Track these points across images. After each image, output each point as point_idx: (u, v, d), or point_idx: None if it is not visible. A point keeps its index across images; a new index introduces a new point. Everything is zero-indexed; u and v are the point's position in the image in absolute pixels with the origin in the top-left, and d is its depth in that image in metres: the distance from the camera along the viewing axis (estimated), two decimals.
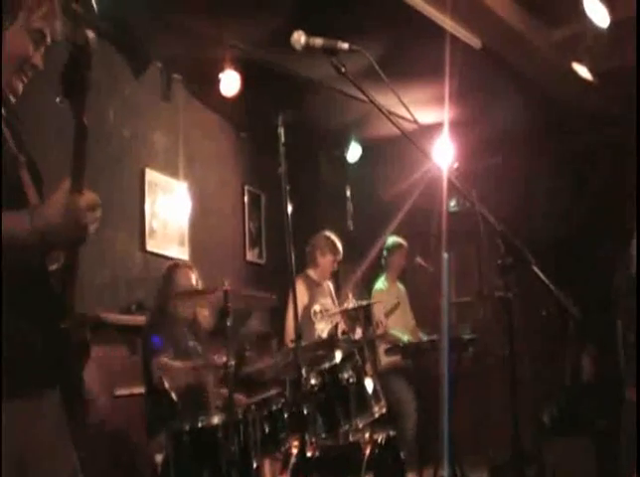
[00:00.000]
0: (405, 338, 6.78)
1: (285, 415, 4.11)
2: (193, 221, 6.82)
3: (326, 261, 6.30)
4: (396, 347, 6.48)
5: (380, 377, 4.86)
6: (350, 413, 4.23)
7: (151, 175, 6.33)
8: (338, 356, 4.49)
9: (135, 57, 6.08)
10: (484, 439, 6.97)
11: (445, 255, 6.84)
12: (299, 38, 2.50)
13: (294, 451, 4.13)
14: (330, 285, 6.46)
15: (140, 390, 4.85)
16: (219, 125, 7.64)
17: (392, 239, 7.27)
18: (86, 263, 2.05)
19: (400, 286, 7.37)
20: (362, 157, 8.47)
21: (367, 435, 4.39)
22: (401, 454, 4.48)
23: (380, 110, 2.52)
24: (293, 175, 3.52)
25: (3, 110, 2.09)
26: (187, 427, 3.93)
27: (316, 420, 4.17)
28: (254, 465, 3.93)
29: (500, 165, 8.30)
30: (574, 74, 6.63)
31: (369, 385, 4.41)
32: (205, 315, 5.12)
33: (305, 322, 5.92)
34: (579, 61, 6.54)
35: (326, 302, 6.23)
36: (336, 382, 4.30)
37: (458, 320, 7.68)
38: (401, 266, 7.26)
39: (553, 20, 6.38)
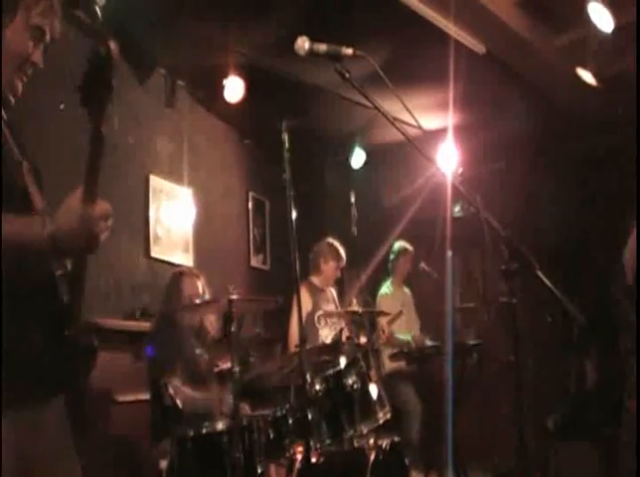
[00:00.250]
0: (409, 337, 6.79)
1: (290, 421, 4.10)
2: (197, 227, 6.83)
3: (329, 268, 6.30)
4: (400, 352, 6.49)
5: (384, 382, 4.85)
6: (354, 419, 4.22)
7: (155, 181, 6.35)
8: (342, 361, 4.49)
9: (139, 63, 6.09)
10: (489, 445, 6.96)
11: (449, 253, 6.84)
12: (303, 44, 2.50)
13: (299, 457, 4.12)
14: (333, 292, 6.46)
15: (144, 396, 4.85)
16: (223, 132, 7.65)
17: (398, 244, 7.29)
18: (91, 269, 2.05)
19: (407, 290, 7.38)
20: (366, 163, 8.47)
21: (371, 441, 4.38)
22: (406, 460, 4.47)
23: (384, 116, 2.52)
24: (297, 181, 3.52)
25: (3, 113, 2.08)
26: (191, 433, 3.93)
27: (320, 426, 4.16)
28: (259, 471, 3.92)
29: (504, 170, 8.30)
30: (578, 79, 6.63)
31: (373, 390, 4.41)
32: (212, 321, 5.09)
33: (309, 328, 5.93)
34: (583, 66, 6.53)
35: (329, 309, 6.23)
36: (340, 387, 4.29)
37: (462, 325, 7.67)
38: (407, 271, 7.27)
39: (557, 25, 6.38)
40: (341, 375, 4.33)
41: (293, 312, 5.88)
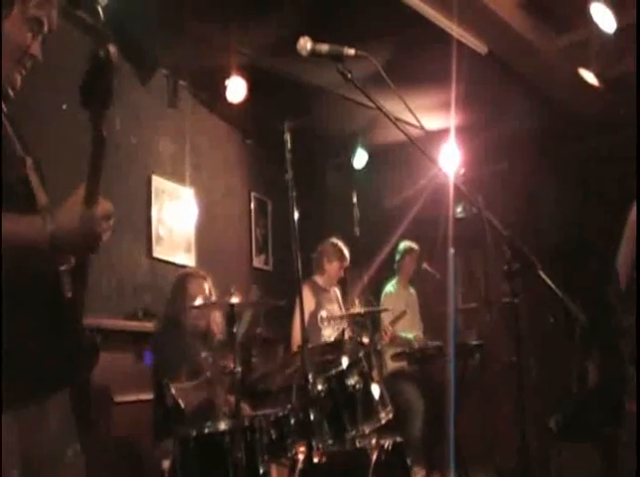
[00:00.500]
0: (412, 336, 6.80)
1: (292, 421, 4.10)
2: (199, 227, 6.83)
3: (332, 268, 6.32)
4: (402, 353, 6.50)
5: (386, 382, 4.85)
6: (356, 419, 4.22)
7: (158, 181, 6.35)
8: (344, 362, 4.49)
9: (141, 64, 6.10)
10: (490, 445, 6.95)
11: (452, 254, 6.85)
12: (305, 44, 2.50)
13: (301, 457, 4.12)
14: (337, 291, 6.47)
15: (147, 396, 4.85)
16: (225, 132, 7.65)
17: (403, 244, 7.31)
18: (93, 270, 2.06)
19: (412, 290, 7.39)
20: (368, 163, 8.46)
21: (373, 441, 4.38)
22: (408, 460, 4.47)
23: (386, 116, 2.52)
24: (300, 181, 3.52)
25: (4, 107, 2.08)
26: (194, 433, 3.93)
27: (323, 426, 4.16)
28: (261, 471, 3.92)
29: (506, 171, 8.30)
30: (581, 79, 6.63)
31: (375, 390, 4.41)
32: (218, 324, 5.05)
33: (312, 328, 5.94)
34: (586, 66, 6.53)
35: (333, 308, 6.24)
36: (342, 388, 4.29)
37: (464, 326, 7.67)
38: (413, 270, 7.28)
39: (559, 25, 6.37)
40: (343, 375, 4.33)
41: (296, 312, 5.88)
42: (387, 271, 7.54)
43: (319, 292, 6.23)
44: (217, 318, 5.01)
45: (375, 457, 4.17)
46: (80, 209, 1.87)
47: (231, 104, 6.46)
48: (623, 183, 5.25)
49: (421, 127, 3.05)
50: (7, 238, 1.81)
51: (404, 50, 6.06)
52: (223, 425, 4.01)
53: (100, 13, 2.29)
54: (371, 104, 2.54)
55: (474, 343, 6.36)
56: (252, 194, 7.97)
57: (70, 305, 2.05)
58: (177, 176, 6.62)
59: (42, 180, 2.14)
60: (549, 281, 2.52)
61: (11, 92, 2.09)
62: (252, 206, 7.96)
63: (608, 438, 5.98)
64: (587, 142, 7.75)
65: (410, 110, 2.68)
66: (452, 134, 7.22)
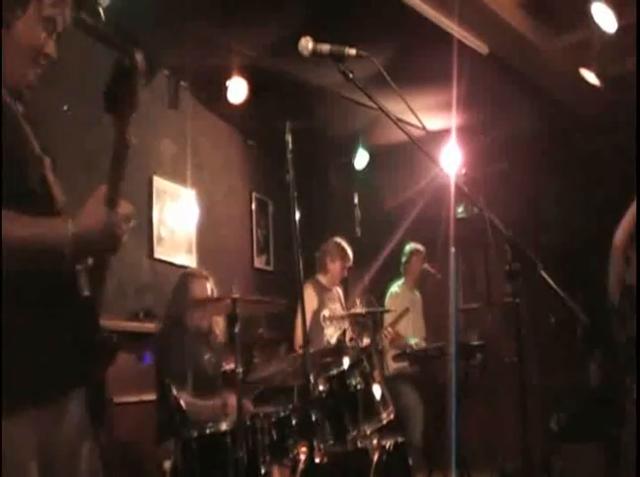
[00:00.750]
0: (415, 341, 6.80)
1: (293, 422, 4.10)
2: (201, 228, 6.83)
3: (336, 267, 6.33)
4: (403, 353, 6.50)
5: (388, 383, 4.85)
6: (358, 420, 4.22)
7: (159, 182, 6.35)
8: (346, 362, 4.49)
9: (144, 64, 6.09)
10: (493, 446, 6.95)
11: (453, 254, 6.85)
12: (307, 44, 2.50)
13: (302, 457, 4.12)
14: (339, 291, 6.48)
15: (149, 397, 4.85)
16: (226, 133, 7.65)
17: (409, 246, 7.32)
18: None
19: (417, 294, 7.40)
20: (369, 164, 8.46)
21: (375, 441, 4.38)
22: (410, 460, 4.47)
23: (388, 116, 2.52)
24: (301, 182, 3.52)
25: (21, 107, 2.10)
26: (195, 434, 3.93)
27: (324, 427, 4.16)
28: (262, 471, 3.92)
29: (507, 171, 8.29)
30: (582, 79, 6.62)
31: (377, 391, 4.41)
32: (220, 326, 5.02)
33: (314, 327, 5.95)
34: (587, 66, 6.53)
35: (335, 308, 6.25)
36: (344, 388, 4.29)
37: (466, 326, 7.66)
38: (419, 272, 7.28)
39: (560, 25, 6.37)
40: (344, 375, 4.34)
41: (299, 312, 5.88)
42: (388, 272, 7.53)
43: (322, 291, 6.24)
44: (219, 321, 5.00)
45: (376, 457, 4.18)
46: (101, 210, 1.90)
47: (232, 105, 6.46)
48: (624, 182, 5.25)
49: (423, 127, 3.05)
50: (28, 240, 1.83)
51: (406, 50, 6.06)
52: (224, 426, 4.01)
53: (102, 14, 2.29)
54: (372, 105, 2.53)
55: (475, 343, 6.36)
56: (254, 194, 7.97)
57: (87, 305, 2.07)
58: (178, 177, 6.62)
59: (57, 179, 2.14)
60: (550, 281, 2.52)
61: (27, 92, 2.12)
62: (254, 206, 7.96)
63: (610, 438, 5.98)
64: (588, 142, 7.75)
65: (412, 110, 2.68)
66: (453, 134, 7.22)
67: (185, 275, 4.99)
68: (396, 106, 2.66)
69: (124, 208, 1.98)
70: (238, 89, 6.35)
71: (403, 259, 7.28)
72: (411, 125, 3.53)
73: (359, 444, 4.35)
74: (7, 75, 2.03)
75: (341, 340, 5.61)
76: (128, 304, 5.79)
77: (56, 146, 2.18)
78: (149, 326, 5.38)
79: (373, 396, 4.37)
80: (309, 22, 5.37)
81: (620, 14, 5.65)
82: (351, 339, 5.61)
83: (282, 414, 4.11)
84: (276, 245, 8.20)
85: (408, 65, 6.01)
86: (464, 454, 5.71)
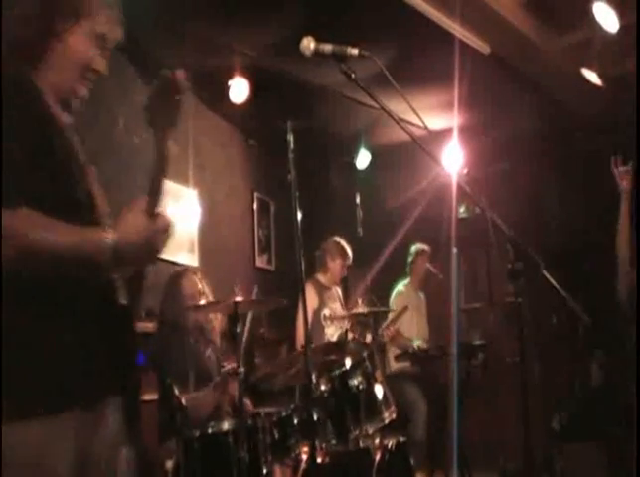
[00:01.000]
0: (418, 342, 6.81)
1: (295, 421, 4.10)
2: (202, 228, 6.83)
3: (336, 266, 6.34)
4: (405, 353, 6.50)
5: (389, 382, 4.85)
6: (360, 419, 4.22)
7: None
8: (348, 362, 4.49)
9: (146, 65, 6.10)
10: (494, 446, 6.95)
11: (455, 253, 6.86)
12: (308, 44, 2.50)
13: (304, 457, 4.12)
14: (339, 291, 6.49)
15: (151, 396, 4.84)
16: (228, 132, 7.66)
17: (415, 246, 7.35)
18: None
19: (422, 295, 7.41)
20: (371, 163, 8.46)
21: (377, 441, 4.38)
22: (411, 460, 4.47)
23: (390, 116, 2.51)
24: (302, 182, 3.52)
25: (70, 118, 2.16)
26: (197, 434, 3.93)
27: (326, 426, 4.16)
28: (264, 471, 3.92)
29: (509, 170, 8.29)
30: (584, 79, 6.62)
31: (379, 390, 4.41)
32: (218, 318, 5.01)
33: (315, 326, 5.96)
34: (589, 66, 6.53)
35: (336, 307, 6.26)
36: (346, 388, 4.29)
37: (468, 326, 7.67)
38: (424, 272, 7.30)
39: (562, 25, 6.37)
40: (346, 375, 4.33)
41: (299, 312, 5.89)
42: (390, 272, 7.53)
43: (322, 291, 6.25)
44: (217, 316, 4.98)
45: (378, 457, 4.17)
46: (140, 222, 1.95)
47: (234, 105, 6.46)
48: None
49: (425, 127, 3.04)
50: (70, 248, 1.87)
51: (407, 50, 6.06)
52: (226, 425, 4.00)
53: None
54: (374, 104, 2.53)
55: (477, 343, 6.36)
56: (255, 194, 7.97)
57: (124, 313, 2.12)
58: (180, 176, 6.62)
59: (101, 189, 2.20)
60: (552, 281, 2.51)
61: (76, 105, 2.17)
62: (255, 206, 7.96)
63: (612, 438, 5.98)
64: (590, 142, 7.74)
65: (414, 110, 2.68)
66: (455, 134, 7.22)
67: (174, 275, 4.99)
68: (397, 106, 2.66)
69: (163, 220, 2.02)
70: (239, 89, 6.35)
71: (410, 260, 7.31)
72: (413, 125, 3.53)
73: (361, 444, 4.35)
74: (56, 86, 2.10)
75: (343, 339, 5.62)
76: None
77: None
78: (151, 325, 5.37)
79: (375, 395, 4.37)
80: (310, 22, 5.37)
81: (622, 14, 5.65)
82: (353, 338, 5.61)
83: (284, 414, 4.11)
84: (278, 245, 8.20)
85: (410, 64, 6.00)
86: (465, 454, 5.71)
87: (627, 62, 6.38)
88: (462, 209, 8.01)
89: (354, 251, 6.42)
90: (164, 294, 4.92)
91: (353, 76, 2.49)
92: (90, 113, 4.79)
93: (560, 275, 2.58)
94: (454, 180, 2.70)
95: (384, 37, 5.82)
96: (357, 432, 4.21)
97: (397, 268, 7.48)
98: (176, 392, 4.30)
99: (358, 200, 8.79)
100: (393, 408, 4.45)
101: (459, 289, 7.18)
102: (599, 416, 6.35)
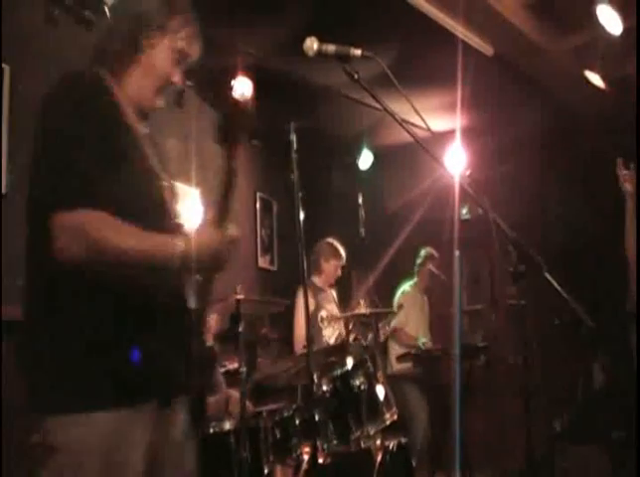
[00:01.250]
0: (423, 341, 6.83)
1: (297, 422, 4.10)
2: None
3: (330, 267, 6.34)
4: (407, 354, 6.51)
5: (391, 383, 4.85)
6: (361, 420, 4.22)
7: None
8: (349, 362, 4.49)
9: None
10: (496, 447, 6.94)
11: (457, 255, 6.86)
12: (312, 44, 2.49)
13: (306, 457, 4.12)
14: (333, 292, 6.48)
15: None
16: None
17: (425, 250, 7.44)
18: None
19: (425, 298, 7.46)
20: (374, 164, 8.47)
21: (378, 442, 4.38)
22: (413, 461, 4.47)
23: (393, 117, 2.51)
24: (305, 182, 3.52)
25: (147, 129, 2.28)
26: (199, 434, 3.92)
27: (327, 427, 4.16)
28: (266, 471, 3.92)
29: (512, 172, 8.28)
30: (587, 81, 6.62)
31: (380, 391, 4.41)
32: (214, 318, 5.02)
33: (312, 328, 5.95)
34: (592, 68, 6.52)
35: (332, 308, 6.25)
36: (347, 388, 4.29)
37: (470, 328, 7.67)
38: (430, 276, 7.35)
39: (565, 27, 6.37)
40: (348, 375, 4.34)
41: (297, 312, 5.91)
42: (393, 273, 7.54)
43: (317, 293, 6.23)
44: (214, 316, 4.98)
45: (379, 458, 4.18)
46: (209, 231, 2.08)
47: None
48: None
49: (427, 128, 3.04)
50: (143, 253, 1.96)
51: (411, 51, 6.06)
52: (227, 425, 4.01)
53: (107, 13, 2.33)
54: (377, 105, 2.52)
55: (479, 345, 6.36)
56: (258, 194, 7.96)
57: (192, 316, 2.22)
58: (182, 176, 6.62)
59: (176, 200, 2.36)
60: (554, 283, 2.51)
61: (150, 115, 2.30)
62: (258, 206, 7.96)
63: (614, 441, 5.97)
64: (593, 143, 7.73)
65: (416, 111, 2.68)
66: (458, 135, 7.22)
67: None
68: (400, 107, 2.66)
69: (231, 230, 2.16)
70: (242, 89, 6.34)
71: (418, 261, 7.38)
72: (416, 126, 3.52)
73: (362, 445, 4.35)
74: (136, 97, 2.24)
75: (345, 340, 5.62)
76: None
77: None
78: None
79: (376, 396, 4.37)
80: (314, 22, 5.37)
81: (625, 16, 5.65)
82: (355, 339, 5.62)
83: (286, 414, 4.11)
84: (280, 245, 8.20)
85: (413, 65, 6.00)
86: (467, 455, 5.71)
87: (630, 64, 6.38)
88: (465, 210, 8.00)
89: (356, 252, 6.42)
90: None
91: (356, 76, 2.48)
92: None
93: (562, 277, 2.57)
94: (457, 181, 2.70)
95: (387, 38, 5.81)
96: (358, 433, 4.21)
97: (399, 269, 7.49)
98: None
99: (360, 200, 8.78)
100: (394, 409, 4.46)
101: (462, 291, 7.18)
102: (601, 419, 6.34)
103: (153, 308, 2.07)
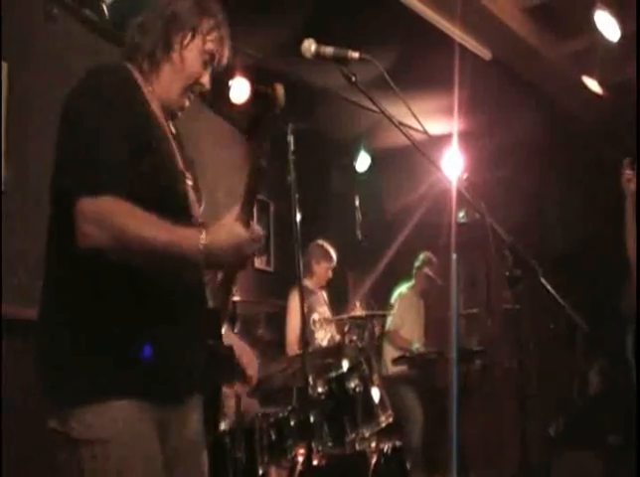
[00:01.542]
0: (416, 346, 6.83)
1: (292, 423, 4.10)
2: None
3: (321, 269, 6.34)
4: (403, 357, 6.51)
5: (387, 386, 4.86)
6: (356, 422, 4.23)
7: None
8: (345, 365, 4.49)
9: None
10: (491, 451, 6.94)
11: (454, 259, 6.87)
12: (310, 46, 2.49)
13: (300, 459, 4.12)
14: (324, 294, 6.48)
15: None
16: (229, 132, 7.65)
17: (424, 254, 7.42)
18: None
19: (421, 300, 7.46)
20: (371, 167, 8.46)
21: (373, 445, 4.39)
22: (407, 464, 4.47)
23: (390, 120, 2.51)
24: (302, 184, 3.52)
25: (172, 127, 2.31)
26: None
27: (323, 429, 4.17)
28: (260, 472, 3.92)
29: (509, 176, 8.29)
30: (584, 86, 6.63)
31: (375, 394, 4.41)
32: None
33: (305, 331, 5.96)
34: (589, 74, 6.54)
35: (323, 311, 6.25)
36: (343, 390, 4.30)
37: (466, 332, 7.68)
38: (427, 281, 7.36)
39: (563, 32, 6.38)
40: (344, 378, 4.34)
41: (290, 314, 5.91)
42: (389, 275, 7.54)
43: (309, 295, 6.23)
44: None
45: (374, 461, 4.18)
46: (233, 228, 2.02)
47: (234, 105, 6.45)
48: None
49: (425, 132, 3.04)
50: (167, 245, 1.94)
51: (409, 54, 6.07)
52: (222, 426, 4.00)
53: (105, 11, 2.34)
54: (374, 108, 2.53)
55: (475, 348, 6.36)
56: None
57: (211, 315, 2.23)
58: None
59: (199, 197, 2.35)
60: (550, 288, 2.51)
61: (179, 114, 2.34)
62: (255, 207, 7.95)
63: (609, 446, 5.98)
64: (591, 148, 7.75)
65: (414, 115, 2.68)
66: (455, 139, 7.22)
67: None
68: (398, 110, 2.66)
69: (255, 229, 2.11)
70: (240, 90, 6.34)
71: (416, 264, 7.38)
72: (414, 129, 3.53)
73: (357, 447, 4.35)
74: (164, 95, 2.26)
75: (341, 342, 5.62)
76: None
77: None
78: None
79: (371, 399, 4.37)
80: (312, 24, 5.37)
81: (623, 22, 5.66)
82: (350, 341, 5.62)
83: (281, 416, 4.11)
84: (277, 247, 8.20)
85: (411, 68, 6.00)
86: (463, 459, 5.70)
87: (628, 69, 6.40)
88: (462, 214, 8.00)
89: (353, 255, 6.43)
90: None
91: (354, 79, 2.48)
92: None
93: (560, 280, 2.58)
94: (454, 185, 2.69)
95: (385, 41, 5.82)
96: (353, 435, 4.22)
97: (395, 272, 7.49)
98: None
99: (357, 203, 8.78)
100: (389, 412, 4.46)
101: (458, 294, 7.19)
102: (597, 424, 6.35)
103: (172, 302, 2.08)
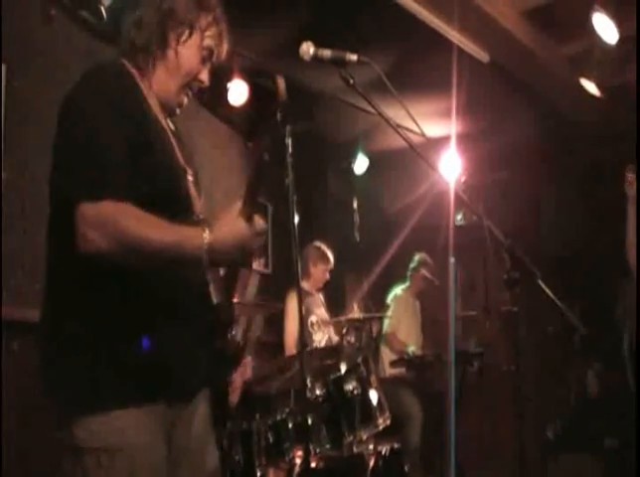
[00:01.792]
0: (412, 348, 6.83)
1: (290, 425, 4.10)
2: None
3: (318, 271, 6.34)
4: (400, 359, 6.51)
5: (384, 388, 4.86)
6: (354, 425, 4.22)
7: None
8: (343, 367, 4.49)
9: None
10: (489, 454, 6.94)
11: (452, 261, 6.87)
12: (308, 49, 2.49)
13: (298, 461, 4.12)
14: (321, 296, 6.48)
15: None
16: (227, 134, 7.64)
17: (420, 256, 7.41)
18: None
19: (417, 302, 7.45)
20: (369, 169, 8.46)
21: (371, 447, 4.38)
22: (405, 467, 4.47)
23: (388, 123, 2.52)
24: (300, 186, 3.51)
25: (171, 124, 2.30)
26: None
27: (320, 431, 4.16)
28: (258, 474, 3.92)
29: (507, 179, 8.30)
30: (582, 89, 6.63)
31: (373, 396, 4.41)
32: None
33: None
34: (587, 76, 6.54)
35: (321, 313, 6.25)
36: (341, 393, 4.29)
37: (464, 334, 7.68)
38: (423, 281, 7.36)
39: (561, 35, 6.39)
40: (341, 380, 4.33)
41: (288, 316, 5.91)
42: (387, 277, 7.54)
43: (306, 297, 6.23)
44: None
45: (372, 463, 4.18)
46: (237, 224, 2.03)
47: (232, 107, 6.45)
48: (624, 192, 5.28)
49: (423, 134, 3.04)
50: (169, 245, 1.94)
51: (407, 57, 6.07)
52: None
53: (103, 13, 2.34)
54: (372, 110, 2.53)
55: (473, 351, 6.36)
56: None
57: (216, 312, 2.22)
58: None
59: (199, 193, 2.33)
60: (547, 291, 2.51)
61: (178, 111, 2.33)
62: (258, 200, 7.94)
63: (606, 449, 5.98)
64: (588, 151, 7.76)
65: (412, 117, 2.68)
66: (453, 142, 7.22)
67: None
68: (396, 112, 2.67)
69: (259, 223, 2.13)
70: (238, 92, 6.34)
71: (412, 266, 7.36)
72: (411, 132, 3.53)
73: (355, 449, 4.35)
74: (163, 92, 2.25)
75: (339, 343, 5.62)
76: None
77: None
78: None
79: (369, 401, 4.37)
80: (310, 26, 5.38)
81: (621, 25, 5.67)
82: (348, 343, 5.62)
83: (279, 418, 4.11)
84: (275, 249, 8.19)
85: (409, 71, 6.01)
86: (460, 461, 5.70)
87: (626, 72, 6.40)
88: (459, 217, 8.00)
89: (351, 257, 6.42)
90: None
91: (352, 81, 2.49)
92: None
93: (558, 283, 2.58)
94: (452, 187, 2.70)
95: (383, 43, 5.82)
96: (351, 438, 4.21)
97: (393, 274, 7.49)
98: None
99: (355, 205, 8.78)
100: (387, 414, 4.46)
101: (456, 297, 7.19)
102: (594, 427, 6.35)
103: (177, 303, 2.08)
